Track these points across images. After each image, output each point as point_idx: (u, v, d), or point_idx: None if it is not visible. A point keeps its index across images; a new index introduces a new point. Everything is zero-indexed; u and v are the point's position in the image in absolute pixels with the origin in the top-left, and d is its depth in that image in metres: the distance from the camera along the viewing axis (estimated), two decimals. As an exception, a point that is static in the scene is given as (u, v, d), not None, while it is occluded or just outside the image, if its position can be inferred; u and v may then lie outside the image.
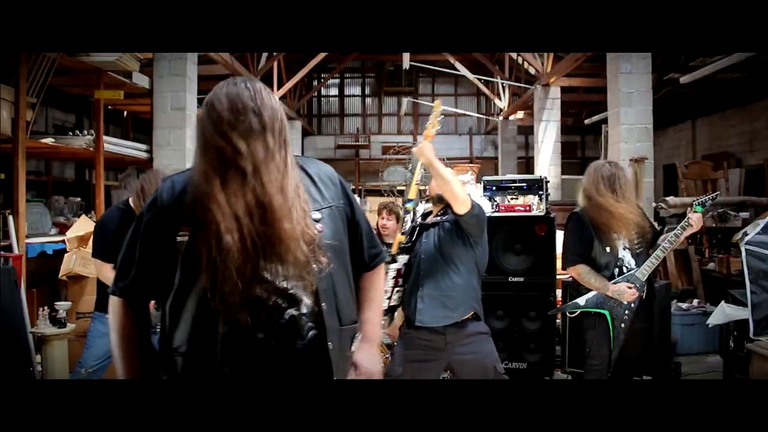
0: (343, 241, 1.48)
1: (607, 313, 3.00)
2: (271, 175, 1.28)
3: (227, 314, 1.29)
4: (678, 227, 2.97)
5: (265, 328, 1.33)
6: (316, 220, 1.39)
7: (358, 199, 12.05)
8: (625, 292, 2.96)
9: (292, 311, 1.35)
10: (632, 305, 3.00)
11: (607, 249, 3.00)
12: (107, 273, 3.01)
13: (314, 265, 1.35)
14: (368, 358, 1.53)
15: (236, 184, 1.27)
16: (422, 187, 7.22)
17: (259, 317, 1.32)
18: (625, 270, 3.03)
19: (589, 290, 3.04)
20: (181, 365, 1.38)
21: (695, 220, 2.94)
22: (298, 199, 1.33)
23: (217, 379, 1.34)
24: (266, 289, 1.32)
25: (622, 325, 3.00)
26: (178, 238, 1.33)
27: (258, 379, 1.36)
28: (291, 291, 1.35)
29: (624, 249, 3.04)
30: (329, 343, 1.39)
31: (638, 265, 3.03)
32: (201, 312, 1.33)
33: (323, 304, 1.39)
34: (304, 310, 1.37)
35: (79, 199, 6.25)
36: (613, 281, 3.00)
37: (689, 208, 3.03)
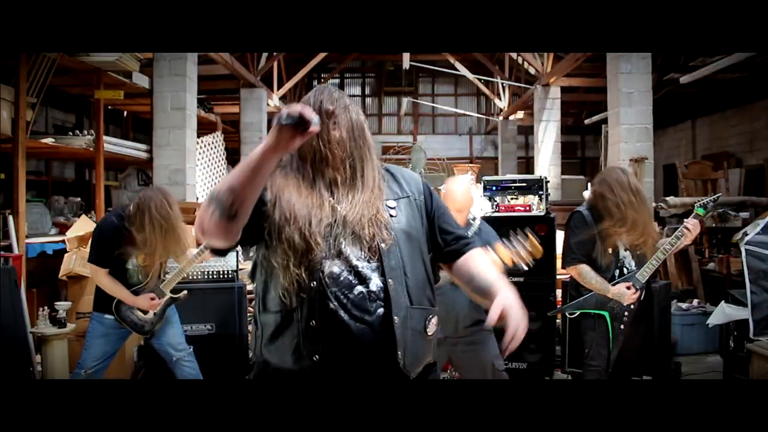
0: (418, 230, 1.57)
1: (606, 314, 3.00)
2: (360, 166, 1.53)
3: (307, 284, 1.44)
4: (678, 231, 2.95)
5: (338, 302, 1.44)
6: (391, 207, 1.54)
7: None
8: (625, 293, 2.95)
9: (361, 288, 1.46)
10: (632, 307, 3.00)
11: (609, 250, 2.99)
12: (101, 278, 3.02)
13: (383, 245, 1.47)
14: (514, 304, 1.48)
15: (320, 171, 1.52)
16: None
17: (333, 291, 1.44)
18: (625, 271, 3.03)
19: (589, 291, 3.04)
20: (273, 323, 1.50)
21: (692, 226, 2.90)
22: (376, 188, 1.53)
23: (307, 334, 1.44)
24: (339, 266, 1.46)
25: (621, 327, 3.00)
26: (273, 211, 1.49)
27: (331, 351, 1.44)
28: (361, 269, 1.47)
29: (625, 250, 3.04)
30: (395, 318, 1.45)
31: (639, 266, 3.02)
32: (286, 280, 1.46)
33: (390, 280, 1.47)
34: (373, 288, 1.47)
35: (79, 199, 6.25)
36: (613, 282, 3.00)
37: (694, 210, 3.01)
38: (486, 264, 1.65)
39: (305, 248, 1.44)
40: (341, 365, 1.44)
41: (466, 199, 2.89)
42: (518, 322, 1.44)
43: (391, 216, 1.52)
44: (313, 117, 1.31)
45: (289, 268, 1.45)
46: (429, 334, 1.53)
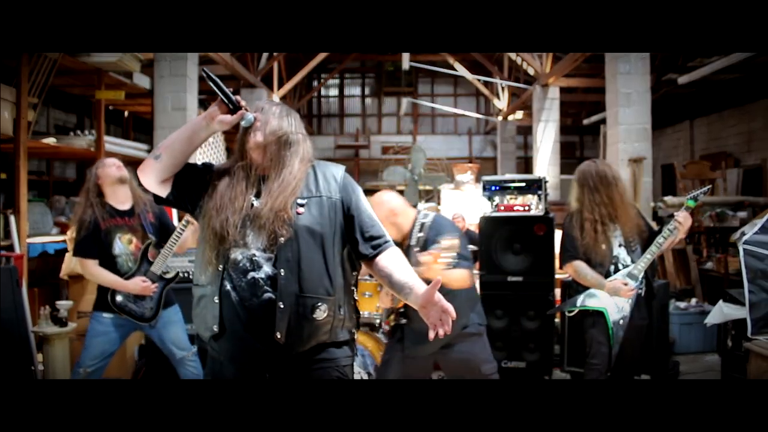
0: (324, 226, 1.74)
1: (605, 310, 3.01)
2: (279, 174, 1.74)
3: (216, 266, 1.70)
4: (669, 224, 2.98)
5: (232, 284, 1.69)
6: (300, 205, 1.73)
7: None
8: (621, 288, 2.97)
9: (253, 274, 1.68)
10: (629, 302, 3.01)
11: (603, 246, 3.01)
12: (91, 269, 3.01)
13: (281, 239, 1.66)
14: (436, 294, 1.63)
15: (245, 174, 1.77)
16: (421, 188, 7.18)
17: (230, 275, 1.69)
18: (620, 267, 3.04)
19: (588, 289, 3.05)
20: (197, 294, 1.79)
21: (682, 218, 2.95)
22: (290, 187, 1.71)
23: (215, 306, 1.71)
24: (242, 253, 1.70)
25: (621, 322, 3.01)
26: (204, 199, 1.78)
27: (224, 325, 1.70)
28: (257, 258, 1.69)
29: (619, 246, 3.05)
30: (279, 303, 1.65)
31: (633, 262, 3.04)
32: (206, 258, 1.73)
33: (281, 270, 1.67)
34: (263, 275, 1.68)
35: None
36: (608, 278, 3.01)
37: (685, 203, 3.05)
38: (403, 263, 1.80)
39: (221, 237, 1.69)
40: (232, 338, 1.70)
41: (385, 212, 2.72)
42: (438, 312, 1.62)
43: (297, 213, 1.70)
44: (248, 114, 1.73)
45: (209, 249, 1.71)
46: (317, 318, 1.69)
